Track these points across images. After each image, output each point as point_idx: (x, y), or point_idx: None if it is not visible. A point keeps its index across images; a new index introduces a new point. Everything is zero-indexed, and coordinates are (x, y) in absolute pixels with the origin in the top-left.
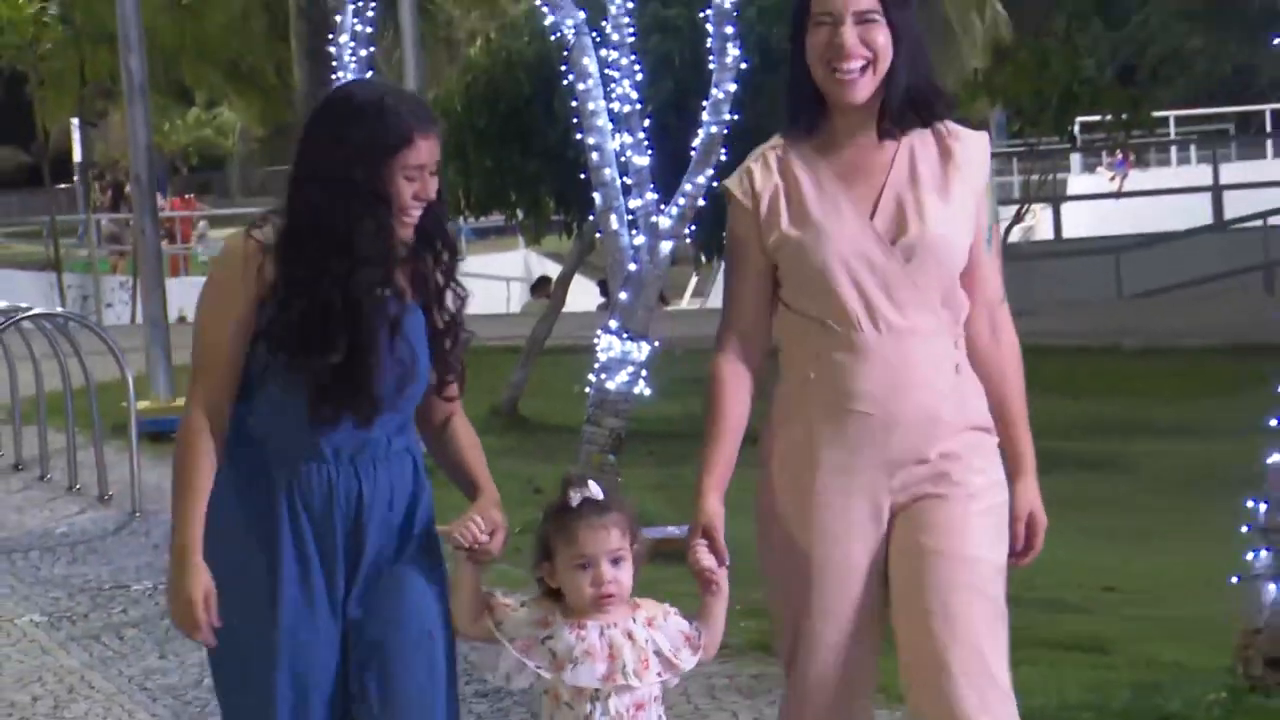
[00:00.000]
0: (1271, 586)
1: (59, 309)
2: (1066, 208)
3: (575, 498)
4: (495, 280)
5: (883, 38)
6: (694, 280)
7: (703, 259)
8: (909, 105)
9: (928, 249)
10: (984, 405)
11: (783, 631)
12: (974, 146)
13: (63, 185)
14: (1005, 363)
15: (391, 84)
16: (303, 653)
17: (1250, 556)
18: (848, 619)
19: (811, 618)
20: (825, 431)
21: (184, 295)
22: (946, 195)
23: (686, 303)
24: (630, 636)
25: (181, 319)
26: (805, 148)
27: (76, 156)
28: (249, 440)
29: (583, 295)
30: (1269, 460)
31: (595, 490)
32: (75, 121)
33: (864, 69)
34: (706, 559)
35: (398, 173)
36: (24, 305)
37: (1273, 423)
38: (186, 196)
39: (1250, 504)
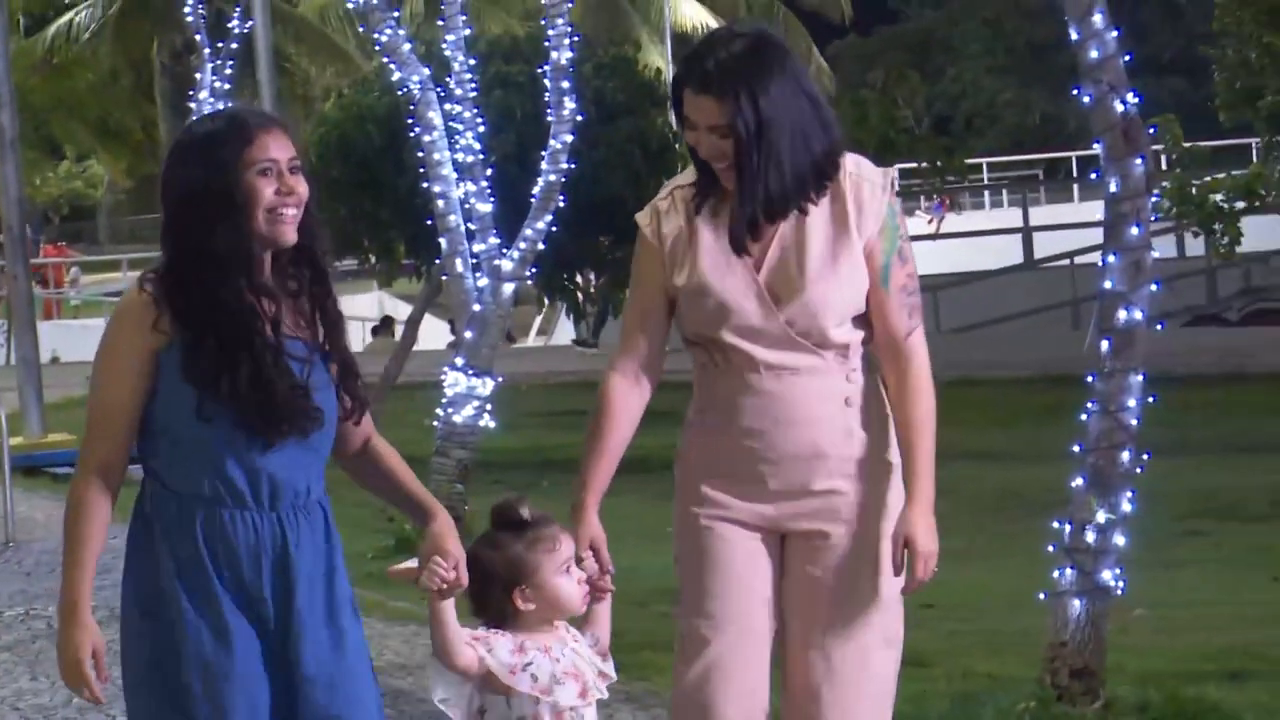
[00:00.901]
0: (1076, 602)
1: None
2: None
3: (526, 512)
4: (351, 320)
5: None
6: (538, 319)
7: (544, 300)
8: (779, 199)
9: (810, 313)
10: (887, 436)
11: (679, 633)
12: (867, 191)
13: None
14: (904, 396)
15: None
16: (255, 703)
17: (1056, 574)
18: (738, 635)
19: (702, 628)
20: (716, 459)
21: (57, 337)
22: (834, 252)
23: (532, 340)
24: (577, 653)
25: (55, 360)
26: (711, 196)
27: None
28: (165, 491)
29: (434, 334)
30: (1072, 484)
31: (528, 510)
32: None
33: (732, 165)
34: (593, 567)
35: (246, 171)
36: None
37: (1075, 449)
38: (59, 244)
39: (1056, 525)
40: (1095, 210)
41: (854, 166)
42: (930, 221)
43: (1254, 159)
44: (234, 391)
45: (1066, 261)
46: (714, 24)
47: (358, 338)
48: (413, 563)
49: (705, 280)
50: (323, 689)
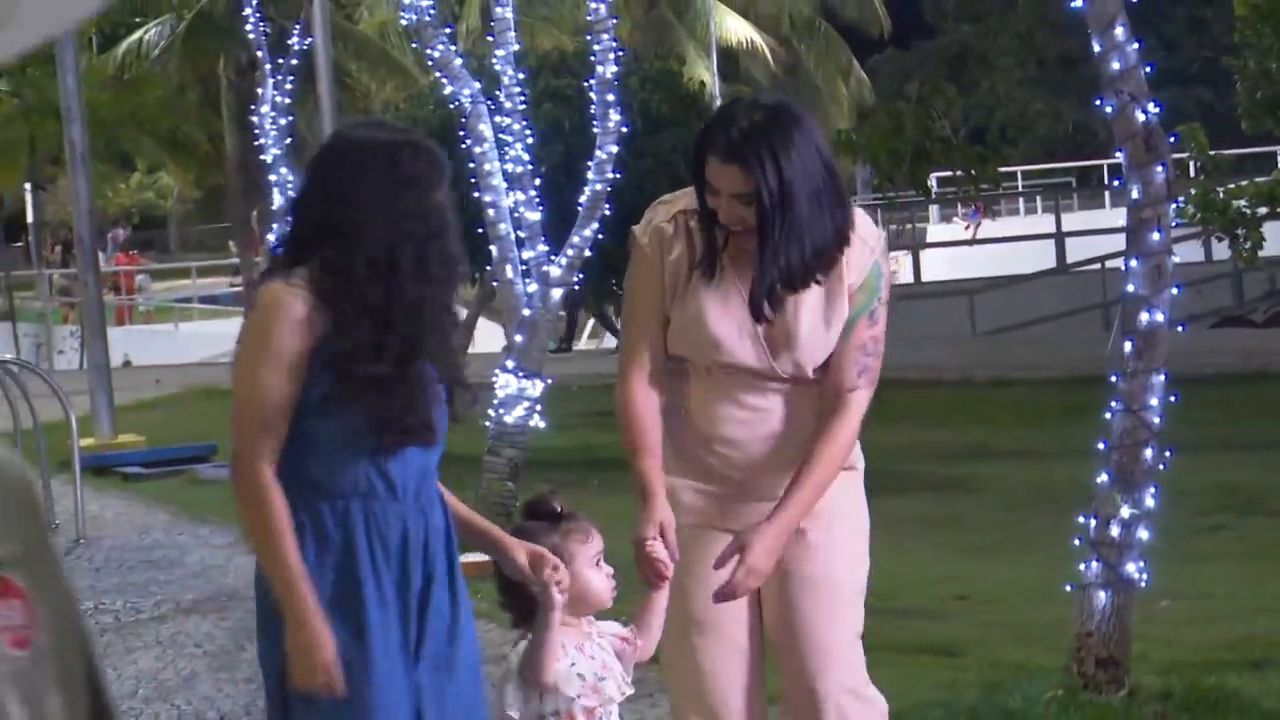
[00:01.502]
0: (1101, 594)
1: (10, 356)
2: (925, 254)
3: (559, 505)
4: None
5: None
6: (590, 323)
7: (591, 303)
8: (800, 272)
9: (798, 362)
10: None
11: (668, 640)
12: (858, 249)
13: (17, 244)
14: (821, 435)
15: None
16: (392, 708)
17: (1083, 567)
18: (723, 633)
19: (689, 633)
20: (692, 460)
21: (126, 342)
22: (827, 315)
23: (584, 344)
24: (604, 649)
25: (126, 364)
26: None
27: (29, 218)
28: (316, 487)
29: (490, 337)
30: (1099, 480)
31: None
32: (28, 186)
33: (752, 230)
34: (661, 552)
35: (441, 203)
36: None
37: (1101, 446)
38: (130, 252)
39: (1083, 519)
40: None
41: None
42: (966, 228)
43: (1276, 166)
44: (381, 392)
45: (1098, 266)
46: (758, 38)
47: None
48: (477, 556)
49: (704, 318)
50: (438, 672)
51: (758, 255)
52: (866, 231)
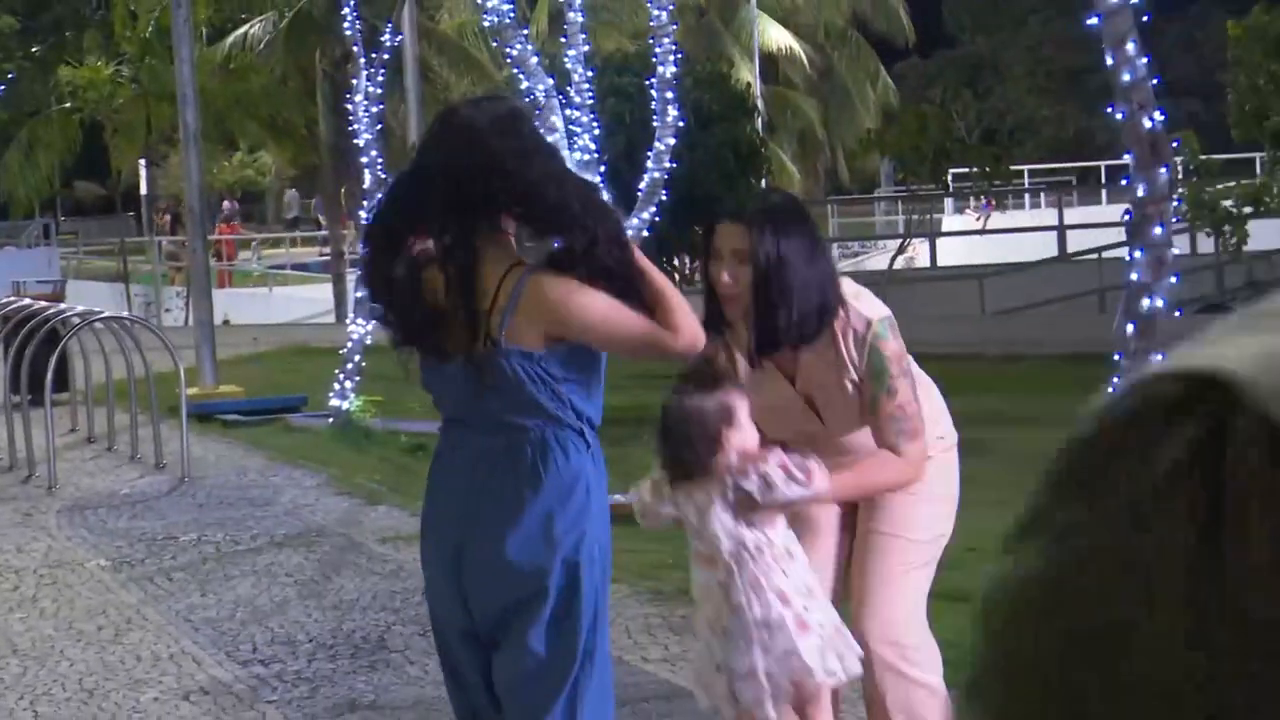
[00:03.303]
0: None
1: (126, 313)
2: (941, 241)
3: (715, 370)
4: None
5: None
6: None
7: None
8: (785, 333)
9: (842, 423)
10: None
11: None
12: (853, 343)
13: (131, 213)
14: (882, 455)
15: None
16: None
17: None
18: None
19: None
20: None
21: (227, 303)
22: (836, 372)
23: None
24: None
25: (225, 322)
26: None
27: (143, 190)
28: (589, 423)
29: None
30: None
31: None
32: (143, 162)
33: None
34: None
35: None
36: (98, 309)
37: None
38: (233, 223)
39: None
40: (1119, 212)
41: (846, 314)
42: (978, 219)
43: (1259, 171)
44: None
45: (1095, 256)
46: (796, 45)
47: None
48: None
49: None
50: None
51: (752, 314)
52: (858, 319)
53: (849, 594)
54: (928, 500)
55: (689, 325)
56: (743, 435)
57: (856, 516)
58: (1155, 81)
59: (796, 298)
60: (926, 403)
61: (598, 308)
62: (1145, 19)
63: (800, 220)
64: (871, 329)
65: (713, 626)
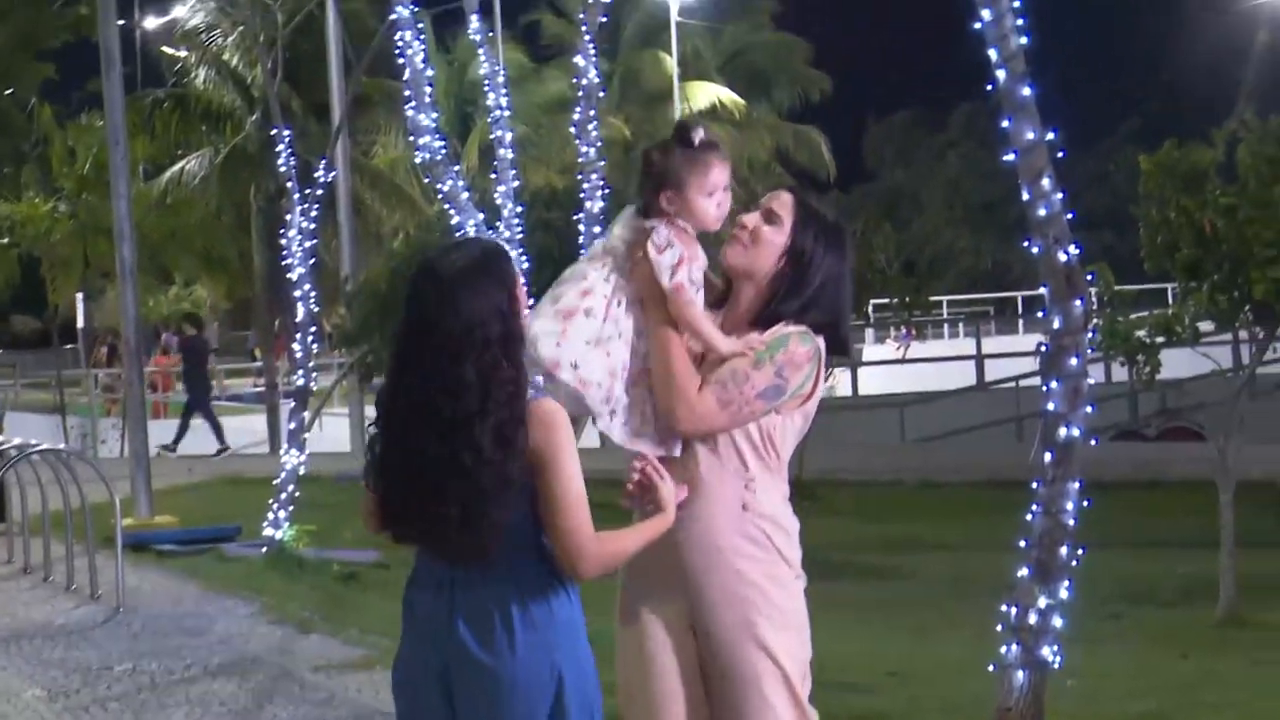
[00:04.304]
0: (1019, 674)
1: (62, 445)
2: (862, 371)
3: (698, 135)
4: None
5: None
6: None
7: None
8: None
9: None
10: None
11: None
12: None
13: (69, 346)
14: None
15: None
16: None
17: (1004, 650)
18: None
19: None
20: None
21: (162, 434)
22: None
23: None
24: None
25: (159, 454)
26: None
27: (80, 323)
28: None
29: None
30: (1019, 574)
31: (705, 132)
32: (80, 295)
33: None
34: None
35: None
36: (35, 442)
37: (1021, 544)
38: (169, 354)
39: (1004, 608)
40: (1035, 341)
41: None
42: (898, 349)
43: (1171, 301)
44: None
45: (1012, 384)
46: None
47: None
48: None
49: None
50: None
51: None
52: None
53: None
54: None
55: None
56: (686, 203)
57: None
58: (1070, 215)
59: (823, 295)
60: (784, 441)
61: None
62: (1060, 155)
63: (843, 237)
64: (796, 327)
65: None
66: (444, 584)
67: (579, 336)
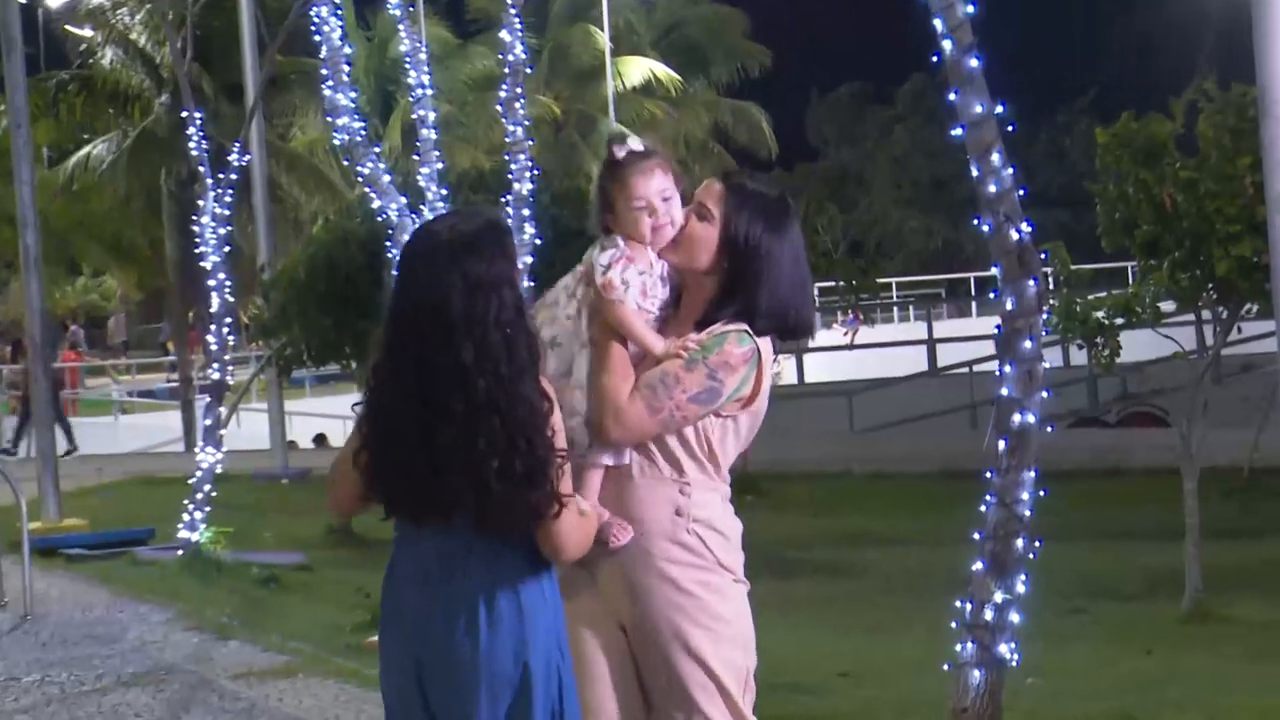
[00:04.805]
0: (976, 673)
1: None
2: (808, 357)
3: (620, 151)
4: (334, 419)
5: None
6: None
7: None
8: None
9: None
10: None
11: None
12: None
13: None
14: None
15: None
16: None
17: (959, 648)
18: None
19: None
20: None
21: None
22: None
23: None
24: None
25: (68, 453)
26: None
27: None
28: None
29: None
30: (974, 568)
31: (636, 142)
32: None
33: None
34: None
35: None
36: None
37: (975, 536)
38: (77, 350)
39: (959, 604)
40: (991, 324)
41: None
42: (846, 334)
43: (1130, 280)
44: None
45: (966, 369)
46: None
47: (340, 432)
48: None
49: None
50: None
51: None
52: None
53: None
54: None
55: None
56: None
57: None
58: (1022, 192)
59: (782, 286)
60: (724, 445)
61: None
62: (1010, 128)
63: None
64: (735, 326)
65: None
66: (431, 577)
67: (553, 372)
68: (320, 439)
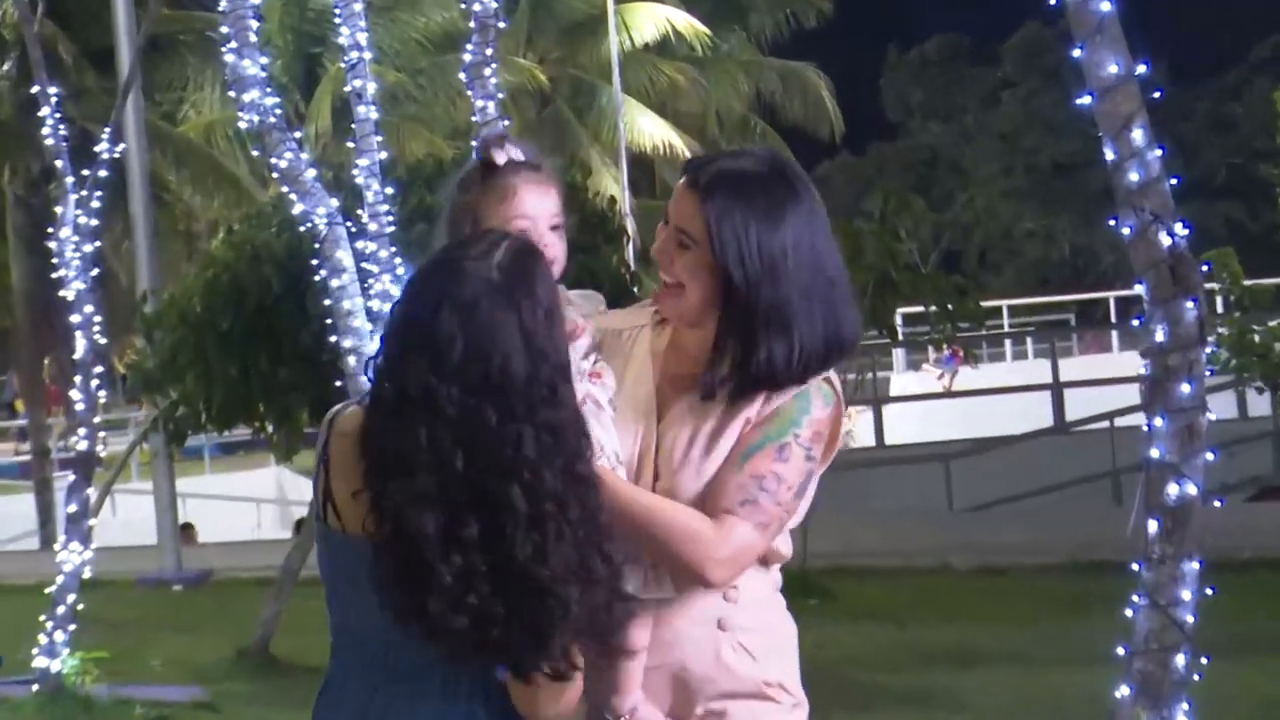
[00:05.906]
0: None
1: None
2: (889, 410)
3: (500, 156)
4: (243, 502)
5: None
6: None
7: None
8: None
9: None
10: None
11: None
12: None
13: None
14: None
15: None
16: None
17: None
18: None
19: None
20: None
21: None
22: (710, 440)
23: None
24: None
25: None
26: None
27: None
28: None
29: None
30: (1117, 694)
31: (521, 151)
32: None
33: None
34: None
35: None
36: None
37: (1119, 651)
38: None
39: None
40: (1138, 363)
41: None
42: (940, 377)
43: None
44: None
45: (1105, 424)
46: (678, 142)
47: (249, 521)
48: None
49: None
50: None
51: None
52: None
53: None
54: None
55: None
56: None
57: None
58: (1175, 181)
59: (797, 327)
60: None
61: None
62: (1157, 94)
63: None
64: (813, 379)
65: None
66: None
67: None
68: (186, 528)
